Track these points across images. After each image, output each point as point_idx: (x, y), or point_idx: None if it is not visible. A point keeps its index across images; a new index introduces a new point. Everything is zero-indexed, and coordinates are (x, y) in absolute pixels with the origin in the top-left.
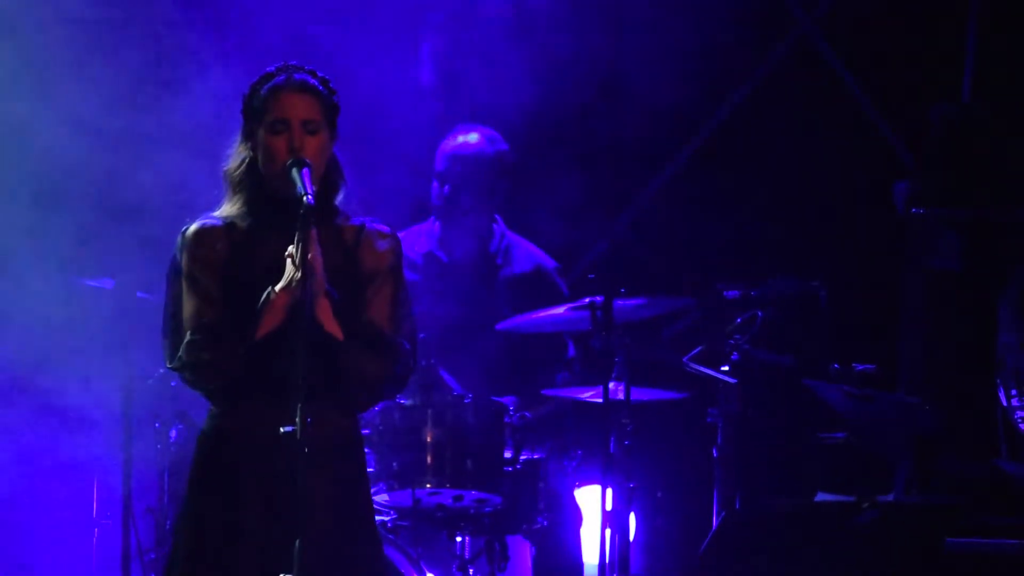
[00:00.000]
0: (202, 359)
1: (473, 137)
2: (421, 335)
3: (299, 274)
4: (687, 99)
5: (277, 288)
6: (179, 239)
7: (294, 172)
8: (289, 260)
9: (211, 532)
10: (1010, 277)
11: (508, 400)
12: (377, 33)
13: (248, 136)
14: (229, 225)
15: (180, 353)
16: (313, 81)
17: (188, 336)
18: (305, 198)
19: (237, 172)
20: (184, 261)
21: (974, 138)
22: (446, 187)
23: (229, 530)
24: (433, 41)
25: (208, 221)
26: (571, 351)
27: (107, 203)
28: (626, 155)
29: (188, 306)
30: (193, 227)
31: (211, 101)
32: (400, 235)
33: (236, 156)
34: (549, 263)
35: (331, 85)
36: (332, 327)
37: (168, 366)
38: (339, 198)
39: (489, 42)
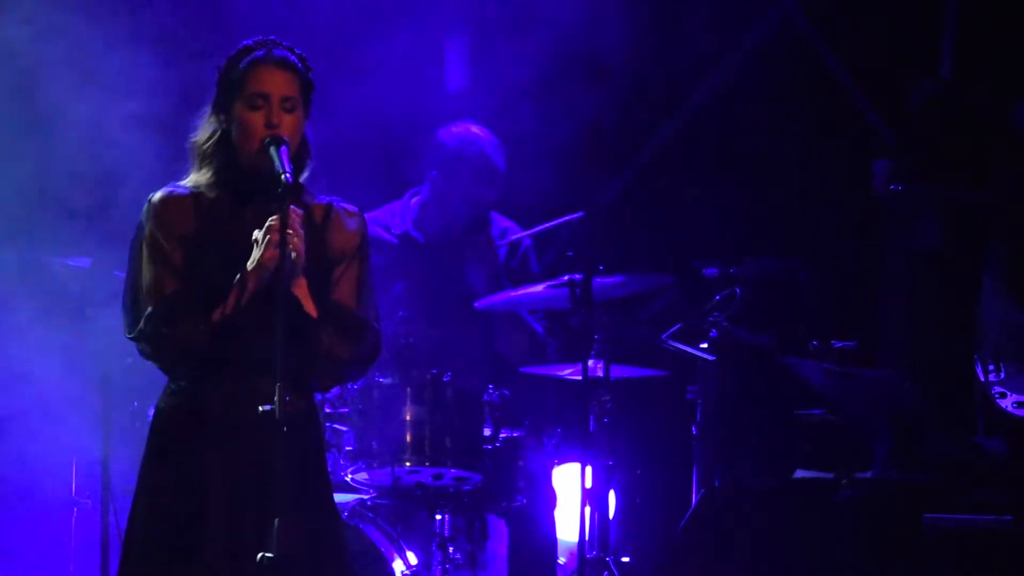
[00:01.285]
0: (162, 333)
1: (493, 155)
2: (400, 313)
3: (270, 254)
4: (666, 78)
5: (248, 267)
6: (145, 207)
7: (272, 149)
8: (256, 241)
9: (173, 508)
10: (991, 252)
11: (487, 378)
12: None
13: (221, 108)
14: (197, 195)
15: (140, 325)
16: (293, 58)
17: (149, 308)
18: (283, 176)
19: (207, 144)
20: (148, 229)
21: (954, 115)
22: (436, 182)
23: (192, 507)
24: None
25: (175, 189)
26: (539, 329)
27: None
28: (606, 133)
29: (148, 274)
30: (159, 194)
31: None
32: (374, 213)
33: (206, 127)
34: (524, 238)
35: (308, 63)
36: (308, 305)
37: (127, 335)
38: (304, 176)
39: (471, 21)
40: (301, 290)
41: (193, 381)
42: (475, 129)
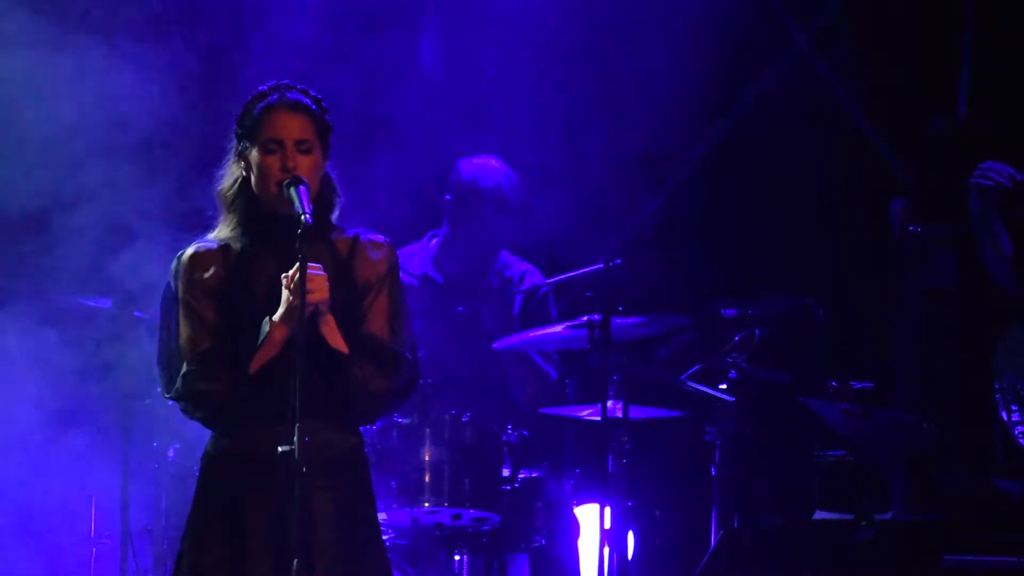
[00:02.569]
0: (198, 390)
1: (507, 188)
2: (421, 353)
3: (295, 305)
4: (684, 117)
5: (275, 318)
6: (174, 264)
7: (291, 191)
8: (285, 285)
9: (216, 554)
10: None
11: (506, 419)
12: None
13: (241, 155)
14: (224, 247)
15: (177, 384)
16: (306, 100)
17: (184, 367)
18: (303, 217)
19: (230, 192)
20: (180, 287)
21: (970, 154)
22: (453, 213)
23: (235, 552)
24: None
25: (203, 245)
26: (553, 375)
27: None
28: (623, 174)
29: (183, 333)
30: (188, 252)
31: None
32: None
33: (229, 176)
34: (542, 282)
35: (324, 104)
36: (337, 342)
37: (165, 396)
38: (335, 215)
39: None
40: (329, 328)
41: (232, 431)
42: (494, 162)
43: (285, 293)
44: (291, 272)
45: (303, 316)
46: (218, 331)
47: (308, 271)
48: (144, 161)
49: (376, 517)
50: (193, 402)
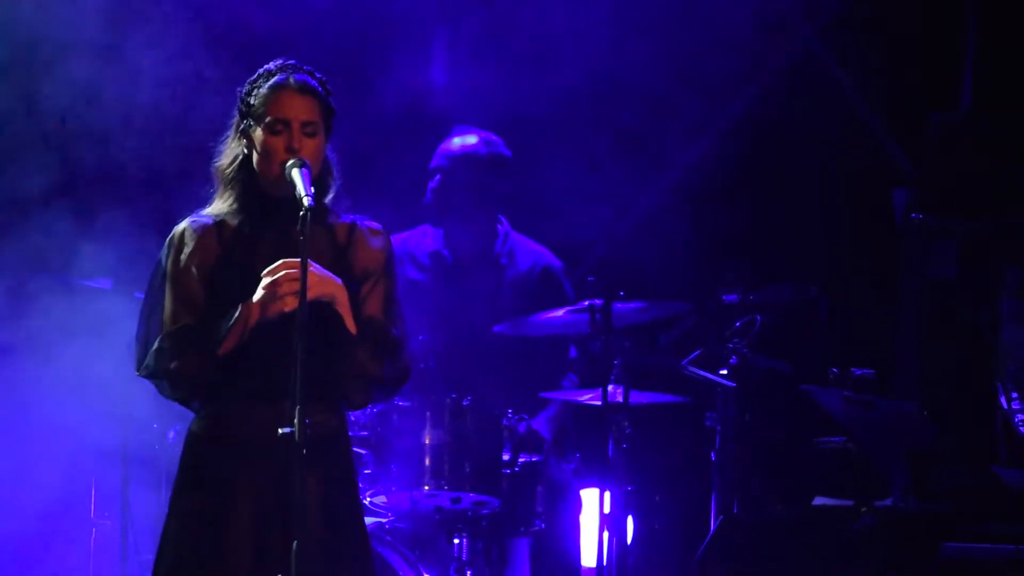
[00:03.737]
0: (169, 368)
1: (471, 139)
2: (421, 336)
3: (268, 298)
4: (688, 105)
5: (254, 299)
6: (168, 238)
7: (294, 172)
8: (265, 273)
9: (200, 531)
10: (1009, 280)
11: (507, 403)
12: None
13: (243, 133)
14: (220, 223)
15: (147, 360)
16: (313, 82)
17: (156, 343)
18: (305, 199)
19: (229, 169)
20: (170, 261)
21: (973, 146)
22: (434, 182)
23: (220, 531)
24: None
25: (198, 219)
26: (572, 352)
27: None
28: (626, 159)
29: (167, 308)
30: (183, 225)
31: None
32: (407, 233)
33: (228, 152)
34: (555, 263)
35: (328, 86)
36: (350, 322)
37: (136, 372)
38: (329, 198)
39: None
40: (344, 307)
41: (221, 406)
42: (468, 130)
43: (265, 280)
44: (272, 267)
45: (304, 299)
46: (202, 309)
47: (292, 278)
48: None
49: (359, 499)
50: (163, 380)
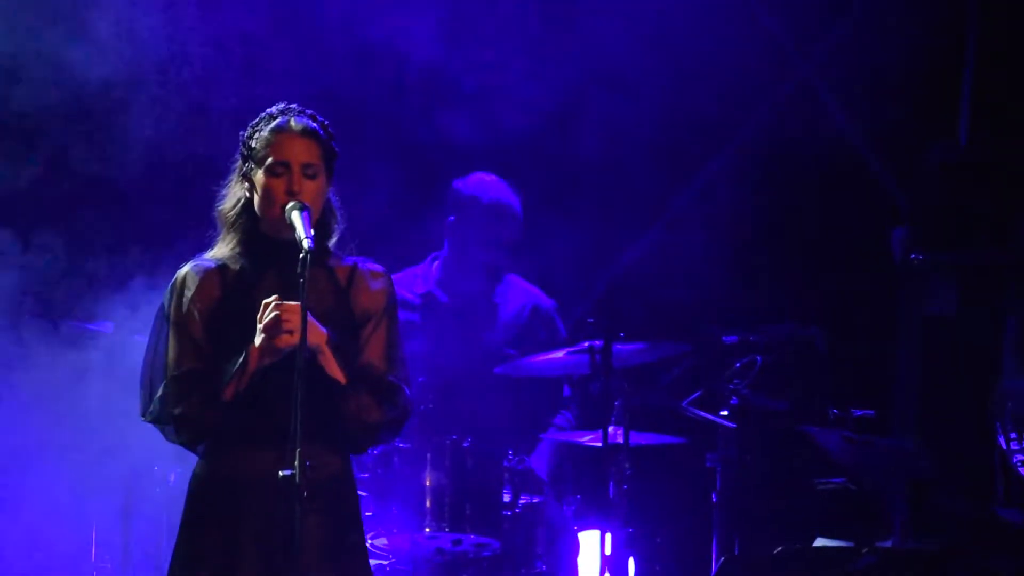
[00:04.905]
0: (174, 413)
1: (508, 195)
2: (420, 378)
3: (266, 342)
4: (686, 143)
5: (253, 348)
6: (171, 283)
7: (294, 215)
8: (259, 319)
9: (206, 574)
10: (1010, 317)
11: (507, 444)
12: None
13: (244, 176)
14: (222, 267)
15: (152, 405)
16: (314, 125)
17: (161, 389)
18: (305, 242)
19: (232, 212)
20: (173, 305)
21: (971, 182)
22: (468, 227)
23: (224, 574)
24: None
25: (200, 264)
26: (566, 391)
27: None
28: (624, 200)
29: (170, 353)
30: (185, 270)
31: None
32: (396, 276)
33: (231, 196)
34: (547, 303)
35: (331, 129)
36: (335, 372)
37: (142, 418)
38: (333, 241)
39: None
40: (327, 359)
41: (225, 449)
42: (490, 177)
43: (259, 327)
44: (268, 302)
45: (304, 342)
46: (205, 353)
47: (285, 309)
48: None
49: (364, 540)
50: (168, 426)
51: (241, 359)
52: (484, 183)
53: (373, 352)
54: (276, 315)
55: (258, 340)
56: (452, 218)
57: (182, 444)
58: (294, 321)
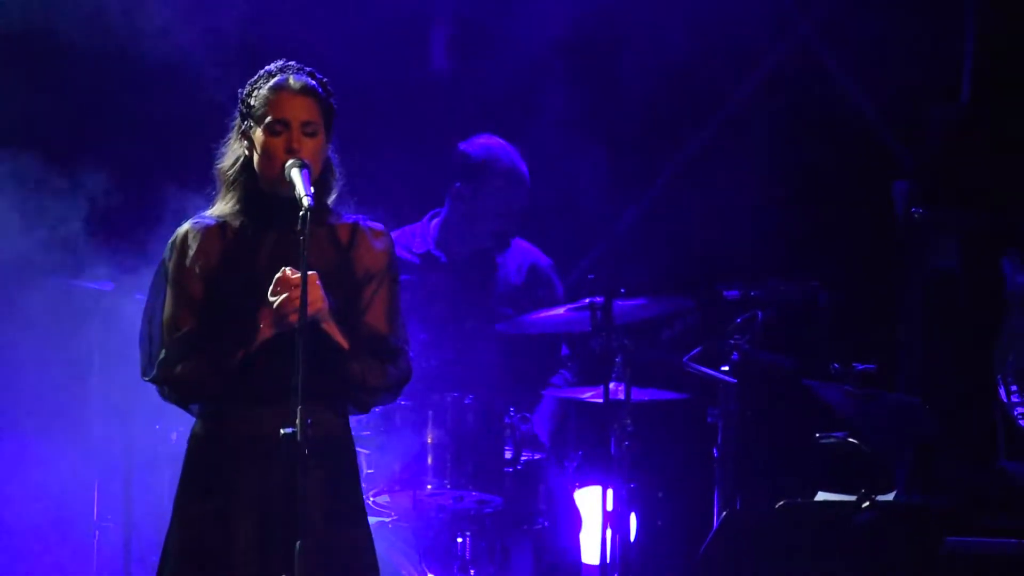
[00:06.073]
0: (175, 374)
1: (518, 161)
2: (422, 336)
3: (281, 313)
4: (686, 100)
5: (267, 317)
6: (171, 240)
7: (294, 172)
8: (271, 292)
9: (204, 534)
10: (1006, 266)
11: (509, 400)
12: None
13: (244, 134)
14: (222, 225)
15: (154, 367)
16: (313, 83)
17: (163, 352)
18: (305, 199)
19: (231, 170)
20: (173, 263)
21: (973, 138)
22: (481, 190)
23: (224, 532)
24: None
25: (200, 221)
26: (564, 350)
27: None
28: (625, 156)
29: (167, 312)
30: (185, 227)
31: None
32: (393, 234)
33: (230, 154)
34: (543, 260)
35: (329, 87)
36: (338, 338)
37: (143, 378)
38: (332, 198)
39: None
40: (330, 325)
41: (224, 407)
42: (494, 140)
43: (272, 298)
44: (279, 277)
45: (305, 301)
46: (203, 311)
47: (296, 285)
48: None
49: (363, 500)
50: (168, 387)
51: (250, 329)
52: (493, 149)
53: (375, 314)
54: (285, 297)
55: (269, 316)
56: (458, 184)
57: (178, 404)
58: (314, 292)
